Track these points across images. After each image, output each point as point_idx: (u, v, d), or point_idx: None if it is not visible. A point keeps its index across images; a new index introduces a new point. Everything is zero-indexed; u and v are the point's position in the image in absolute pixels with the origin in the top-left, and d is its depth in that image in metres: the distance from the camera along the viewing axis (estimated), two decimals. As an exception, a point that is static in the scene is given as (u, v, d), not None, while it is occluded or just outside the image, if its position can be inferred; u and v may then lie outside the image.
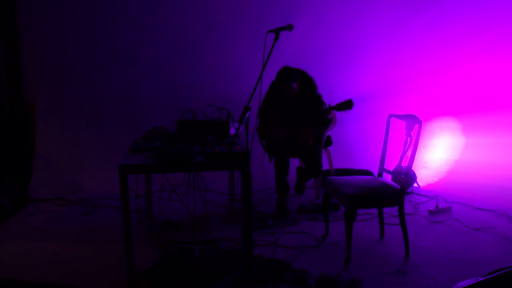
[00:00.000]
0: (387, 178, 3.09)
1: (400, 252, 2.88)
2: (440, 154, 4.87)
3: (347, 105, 3.43)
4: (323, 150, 4.01)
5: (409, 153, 2.81)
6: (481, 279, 1.71)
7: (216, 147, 2.69)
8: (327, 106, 3.64)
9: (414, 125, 2.83)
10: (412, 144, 2.80)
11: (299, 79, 3.62)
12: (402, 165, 2.94)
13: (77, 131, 4.64)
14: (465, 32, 4.75)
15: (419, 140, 2.77)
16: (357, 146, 4.88)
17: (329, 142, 4.11)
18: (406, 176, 2.80)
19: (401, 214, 2.84)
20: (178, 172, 2.59)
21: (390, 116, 3.09)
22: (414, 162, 2.77)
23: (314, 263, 2.74)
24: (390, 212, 3.49)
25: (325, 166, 4.12)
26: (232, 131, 3.05)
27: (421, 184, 4.44)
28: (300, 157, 3.93)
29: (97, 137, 4.63)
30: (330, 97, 3.82)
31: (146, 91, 4.78)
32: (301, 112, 3.68)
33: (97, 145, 4.59)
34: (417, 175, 4.42)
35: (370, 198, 2.78)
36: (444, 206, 3.79)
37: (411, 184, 4.32)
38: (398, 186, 2.82)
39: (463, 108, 4.85)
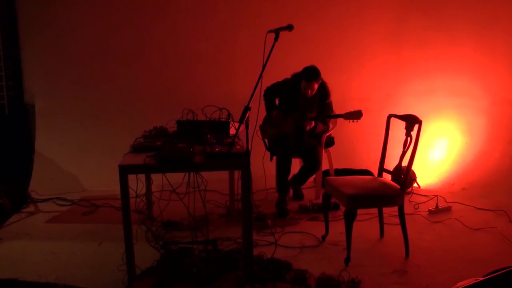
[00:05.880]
0: (387, 178, 3.08)
1: (400, 252, 2.88)
2: (440, 154, 4.87)
3: (356, 115, 3.48)
4: (324, 151, 4.02)
5: (409, 153, 2.81)
6: (481, 279, 1.71)
7: (216, 147, 2.69)
8: (334, 113, 3.77)
9: (414, 125, 2.83)
10: (412, 144, 2.80)
11: (319, 81, 3.67)
12: (402, 165, 2.94)
13: (77, 131, 4.65)
14: (464, 32, 4.75)
15: (419, 140, 2.77)
16: (357, 146, 4.88)
17: (331, 142, 4.12)
18: (406, 176, 2.80)
19: (401, 214, 2.84)
20: (178, 172, 2.59)
21: (390, 116, 3.09)
22: (414, 162, 2.77)
23: (314, 263, 2.74)
24: (390, 212, 3.49)
25: (325, 166, 4.13)
26: (232, 131, 3.05)
27: (421, 184, 4.44)
28: (300, 156, 3.95)
29: (97, 137, 4.63)
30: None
31: (146, 91, 4.78)
32: (308, 111, 3.72)
33: (97, 145, 4.60)
34: (417, 175, 4.42)
35: (370, 198, 2.78)
36: (444, 206, 3.79)
37: (411, 184, 4.32)
38: (398, 186, 2.82)
39: (463, 108, 4.85)
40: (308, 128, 3.69)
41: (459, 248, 3.01)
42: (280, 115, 3.78)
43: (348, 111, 3.58)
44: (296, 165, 4.14)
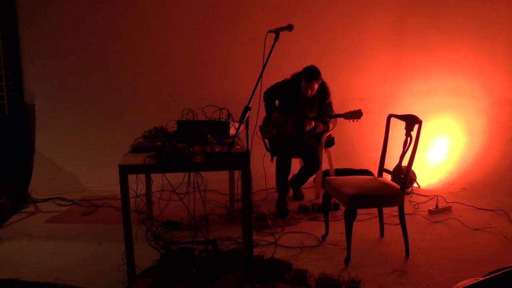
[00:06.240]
0: (387, 178, 3.08)
1: (400, 252, 2.88)
2: (440, 154, 4.87)
3: (356, 114, 3.48)
4: (324, 151, 4.02)
5: (409, 153, 2.81)
6: (481, 279, 1.71)
7: (216, 147, 2.69)
8: (334, 113, 3.77)
9: (414, 125, 2.83)
10: (412, 144, 2.80)
11: (319, 81, 3.67)
12: (402, 165, 2.94)
13: (77, 131, 4.65)
14: (464, 32, 4.75)
15: (419, 140, 2.77)
16: (357, 146, 4.88)
17: (331, 142, 4.12)
18: (406, 176, 2.80)
19: (401, 214, 2.84)
20: (178, 172, 2.59)
21: (390, 116, 3.09)
22: (414, 162, 2.77)
23: (314, 263, 2.74)
24: (390, 212, 3.49)
25: (325, 166, 4.13)
26: (232, 131, 3.04)
27: (421, 184, 4.44)
28: (300, 156, 3.95)
29: (97, 137, 4.64)
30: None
31: (146, 91, 4.79)
32: (308, 111, 3.72)
33: (97, 145, 4.60)
34: (417, 175, 4.42)
35: (370, 198, 2.78)
36: (444, 206, 3.79)
37: (411, 184, 4.32)
38: (398, 186, 2.82)
39: (463, 108, 4.85)
40: (308, 128, 3.69)
41: (459, 248, 3.01)
42: (280, 115, 3.78)
43: (348, 110, 3.58)
44: (296, 165, 4.14)
